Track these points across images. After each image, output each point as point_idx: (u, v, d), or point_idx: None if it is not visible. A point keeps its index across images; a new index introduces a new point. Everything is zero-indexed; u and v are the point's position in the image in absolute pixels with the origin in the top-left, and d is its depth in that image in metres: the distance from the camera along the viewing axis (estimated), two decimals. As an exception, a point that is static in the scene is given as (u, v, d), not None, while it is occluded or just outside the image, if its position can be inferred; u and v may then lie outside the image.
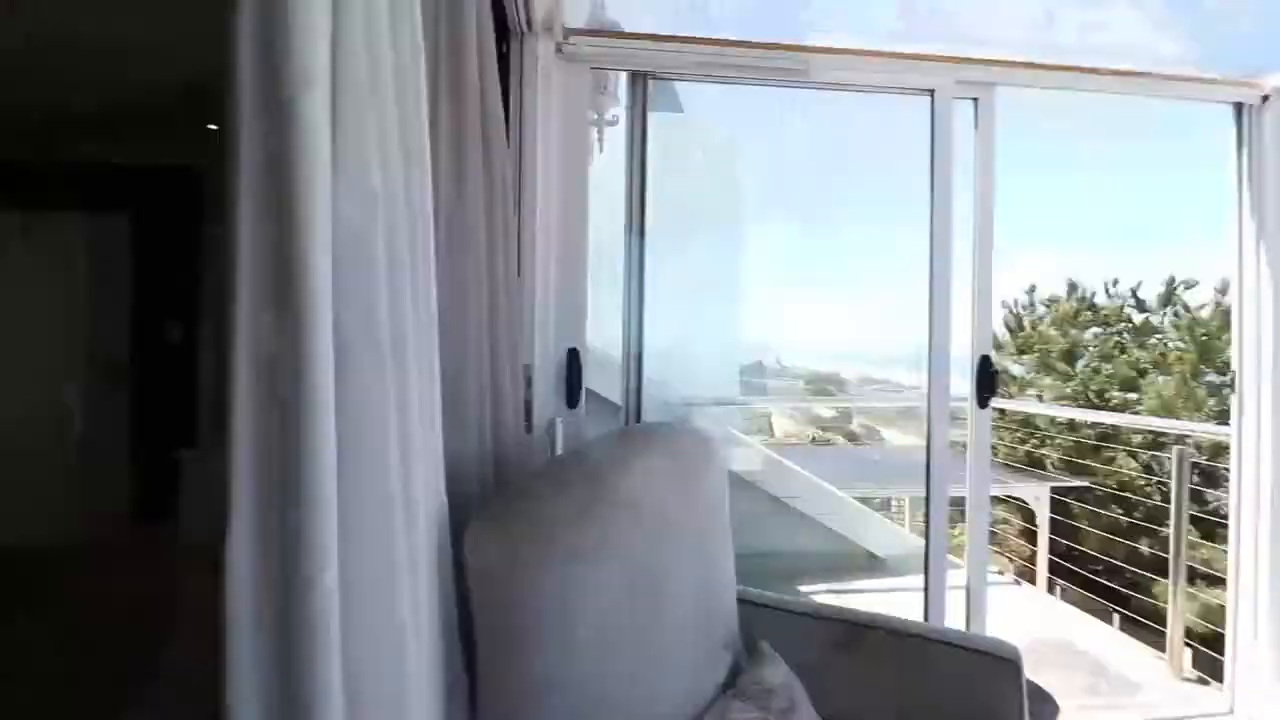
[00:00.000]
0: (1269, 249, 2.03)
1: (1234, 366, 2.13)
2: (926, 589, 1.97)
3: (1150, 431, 9.78)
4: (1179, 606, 2.46)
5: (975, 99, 1.98)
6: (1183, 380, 9.01)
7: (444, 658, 0.79)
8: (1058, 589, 10.89)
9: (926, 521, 2.07)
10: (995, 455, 10.48)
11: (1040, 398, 10.72)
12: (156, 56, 2.56)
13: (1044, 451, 9.89)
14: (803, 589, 3.35)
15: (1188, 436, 2.70)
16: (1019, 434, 10.33)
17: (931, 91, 1.95)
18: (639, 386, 1.96)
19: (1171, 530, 2.49)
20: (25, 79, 2.81)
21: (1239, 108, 2.08)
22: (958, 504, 2.00)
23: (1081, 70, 1.96)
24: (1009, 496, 9.89)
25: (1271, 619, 2.02)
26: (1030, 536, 9.65)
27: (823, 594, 3.23)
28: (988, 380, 1.94)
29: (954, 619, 1.96)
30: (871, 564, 3.64)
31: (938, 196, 1.93)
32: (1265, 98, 2.03)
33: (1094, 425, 9.88)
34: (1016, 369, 11.43)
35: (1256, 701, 2.04)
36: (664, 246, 2.12)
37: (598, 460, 1.17)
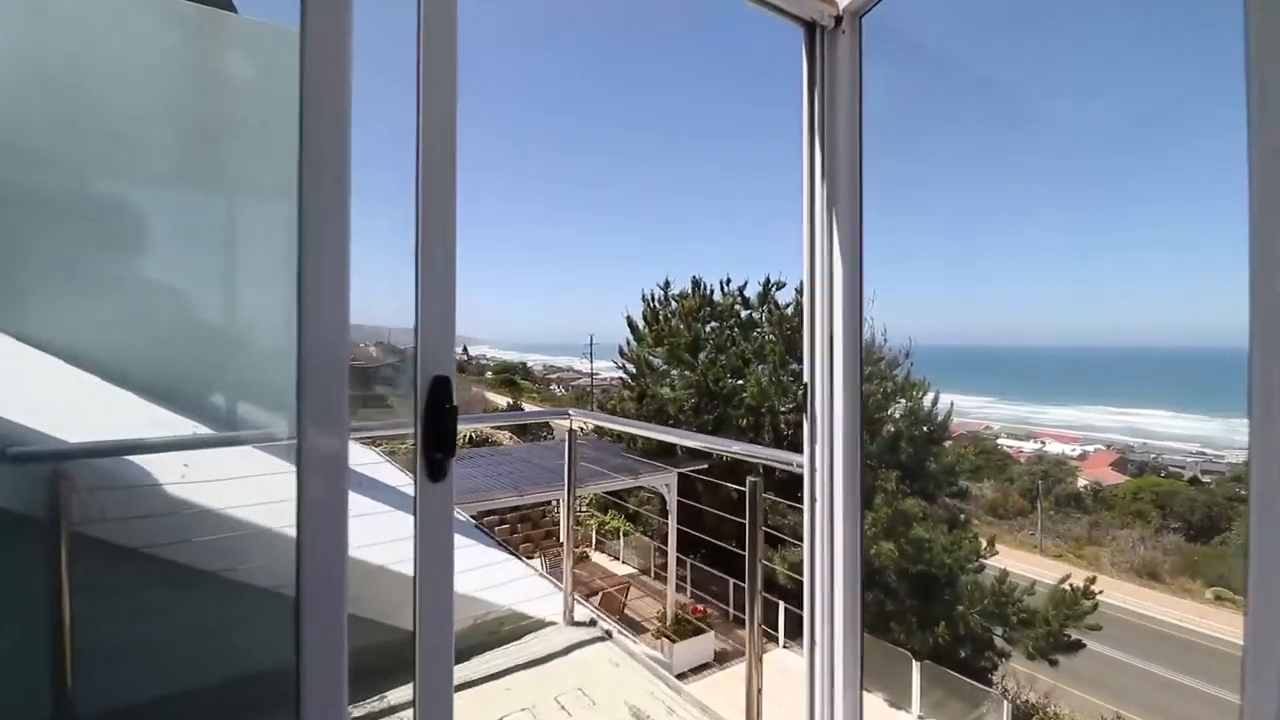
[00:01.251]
0: (841, 233, 1.54)
1: (805, 379, 1.63)
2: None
3: (751, 409, 11.37)
4: (756, 661, 1.99)
5: None
6: (774, 369, 10.67)
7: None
8: (689, 560, 11.93)
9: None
10: (634, 445, 10.98)
11: (673, 386, 11.65)
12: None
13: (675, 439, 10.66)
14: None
15: (769, 466, 2.24)
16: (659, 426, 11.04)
17: None
18: None
19: (746, 563, 2.00)
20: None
21: (811, 30, 1.54)
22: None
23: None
24: (644, 487, 10.44)
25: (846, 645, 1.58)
26: (666, 518, 10.32)
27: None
28: (442, 429, 0.97)
29: None
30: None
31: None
32: (838, 19, 1.52)
33: (710, 413, 11.13)
34: (656, 360, 12.28)
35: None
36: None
37: None
